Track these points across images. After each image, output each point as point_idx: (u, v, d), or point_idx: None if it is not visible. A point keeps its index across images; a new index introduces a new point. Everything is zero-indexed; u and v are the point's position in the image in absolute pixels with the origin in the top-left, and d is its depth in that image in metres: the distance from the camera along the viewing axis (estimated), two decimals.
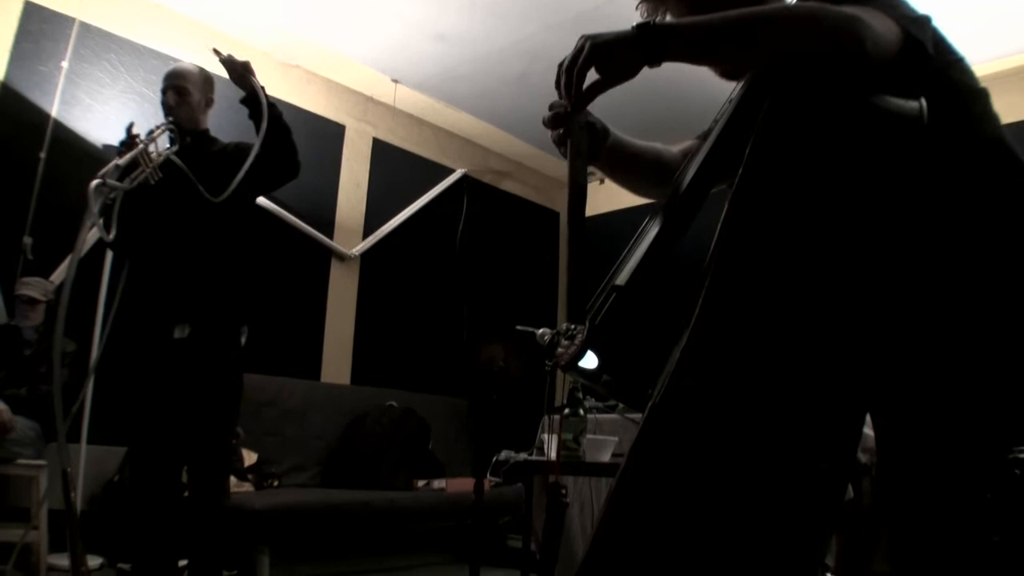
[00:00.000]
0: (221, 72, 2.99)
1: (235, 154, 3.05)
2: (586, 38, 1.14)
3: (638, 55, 1.12)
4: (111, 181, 2.55)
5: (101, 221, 2.57)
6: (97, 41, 4.36)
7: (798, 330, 1.02)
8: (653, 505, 1.01)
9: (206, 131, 3.20)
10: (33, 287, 3.80)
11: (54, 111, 4.12)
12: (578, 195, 1.22)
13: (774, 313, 1.02)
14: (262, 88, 2.98)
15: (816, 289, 1.03)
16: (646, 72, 1.15)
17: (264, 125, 2.90)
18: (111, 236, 2.70)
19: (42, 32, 4.15)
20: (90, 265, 3.88)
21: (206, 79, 3.21)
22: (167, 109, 3.07)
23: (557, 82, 1.19)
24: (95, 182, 2.49)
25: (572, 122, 1.26)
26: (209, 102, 3.23)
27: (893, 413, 1.17)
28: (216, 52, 2.98)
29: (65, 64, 4.19)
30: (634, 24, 1.13)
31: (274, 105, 3.00)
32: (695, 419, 1.01)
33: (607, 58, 1.13)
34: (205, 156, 3.05)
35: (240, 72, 2.98)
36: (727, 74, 1.32)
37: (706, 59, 1.20)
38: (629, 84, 1.17)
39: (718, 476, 0.99)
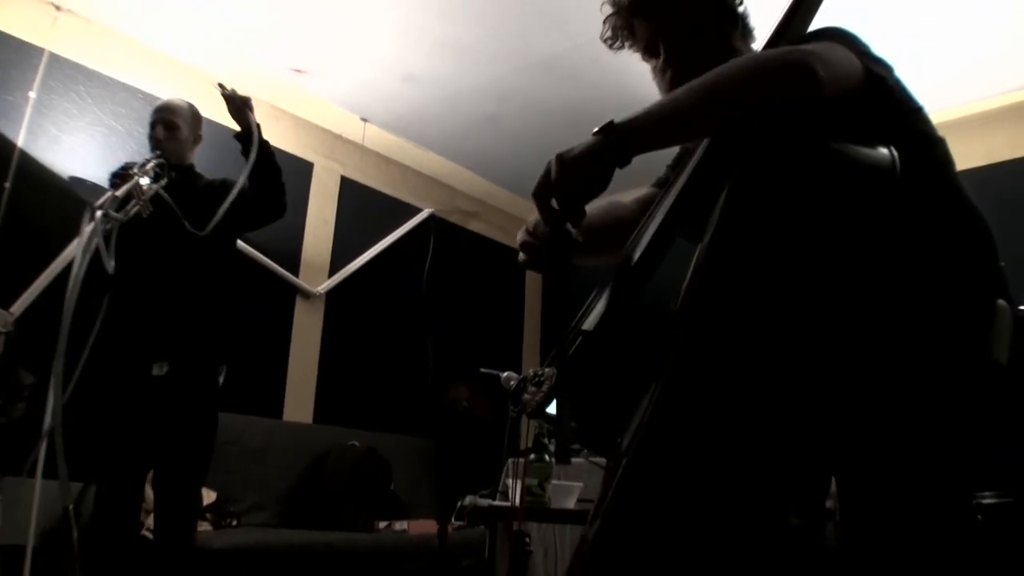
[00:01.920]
0: (206, 108, 2.99)
1: (220, 190, 3.04)
2: (554, 159, 1.15)
3: (610, 157, 1.13)
4: (112, 212, 2.51)
5: (105, 250, 2.49)
6: (66, 72, 4.33)
7: (770, 389, 1.02)
8: (628, 564, 1.01)
9: (191, 166, 3.19)
10: None
11: (20, 141, 4.06)
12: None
13: (747, 371, 1.03)
14: (258, 126, 3.00)
15: (789, 347, 1.03)
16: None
17: (252, 158, 2.91)
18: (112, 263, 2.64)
19: (10, 61, 4.11)
20: (58, 296, 3.81)
21: (195, 115, 3.22)
22: (155, 143, 3.06)
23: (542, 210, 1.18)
24: (99, 213, 2.44)
25: (555, 241, 1.22)
26: (197, 139, 3.23)
27: (855, 461, 1.17)
28: (220, 86, 3.00)
29: (33, 94, 4.15)
30: (595, 130, 1.14)
31: (267, 143, 3.01)
32: (669, 478, 1.01)
33: (577, 172, 1.13)
34: (190, 191, 3.03)
35: (239, 107, 3.00)
36: None
37: (674, 142, 1.24)
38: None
39: (693, 534, 0.99)
